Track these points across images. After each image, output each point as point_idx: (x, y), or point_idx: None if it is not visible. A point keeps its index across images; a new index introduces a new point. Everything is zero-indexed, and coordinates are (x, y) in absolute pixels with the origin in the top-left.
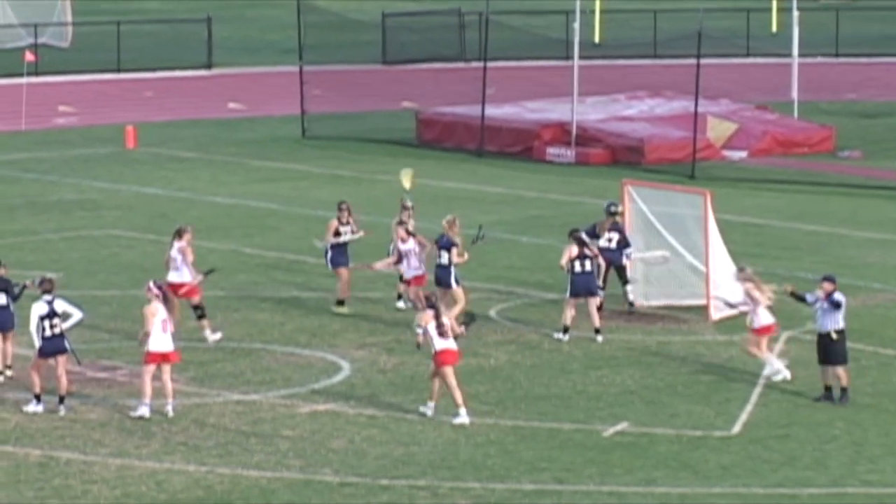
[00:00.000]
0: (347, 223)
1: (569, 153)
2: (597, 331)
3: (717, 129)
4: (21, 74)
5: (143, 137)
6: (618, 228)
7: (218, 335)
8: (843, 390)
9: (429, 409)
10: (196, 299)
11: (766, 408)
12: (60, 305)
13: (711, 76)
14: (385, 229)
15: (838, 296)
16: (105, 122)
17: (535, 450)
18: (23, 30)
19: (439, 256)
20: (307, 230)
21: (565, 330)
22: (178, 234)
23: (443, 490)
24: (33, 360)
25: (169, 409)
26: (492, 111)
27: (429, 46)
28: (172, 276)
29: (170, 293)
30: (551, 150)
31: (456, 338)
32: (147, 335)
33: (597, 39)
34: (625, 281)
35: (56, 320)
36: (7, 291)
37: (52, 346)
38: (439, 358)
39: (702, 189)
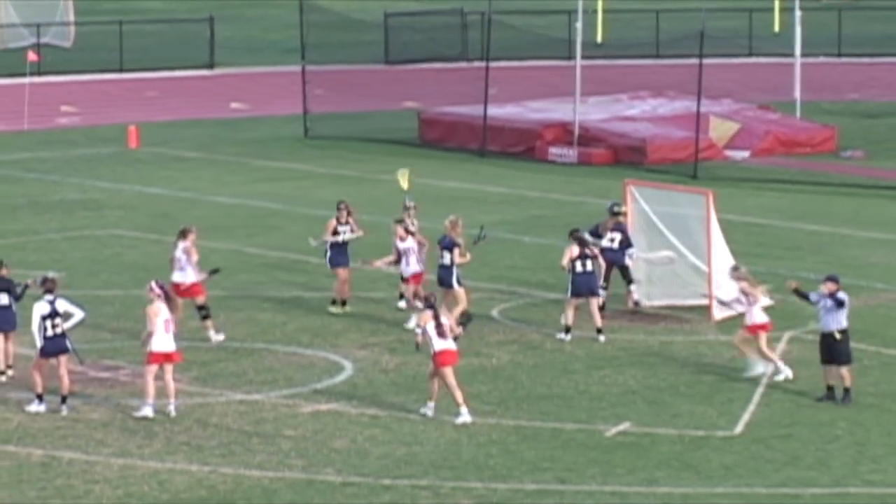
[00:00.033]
0: (346, 223)
1: (571, 153)
2: (599, 331)
3: (720, 129)
4: (24, 74)
5: (145, 137)
6: (620, 228)
7: (221, 336)
8: (846, 390)
9: (429, 409)
10: (201, 299)
11: (769, 408)
12: (62, 305)
13: (714, 76)
14: (387, 229)
15: (842, 294)
16: (107, 121)
17: (537, 450)
18: (25, 29)
19: (441, 257)
20: (309, 230)
21: (567, 330)
22: (183, 235)
23: (445, 490)
24: (35, 360)
25: (171, 408)
26: (494, 111)
27: (431, 46)
28: (177, 277)
29: (172, 293)
30: (554, 150)
31: (455, 338)
32: (150, 335)
33: (599, 39)
34: (629, 281)
35: (58, 320)
36: (9, 291)
37: (54, 346)
38: (438, 359)
39: (704, 189)
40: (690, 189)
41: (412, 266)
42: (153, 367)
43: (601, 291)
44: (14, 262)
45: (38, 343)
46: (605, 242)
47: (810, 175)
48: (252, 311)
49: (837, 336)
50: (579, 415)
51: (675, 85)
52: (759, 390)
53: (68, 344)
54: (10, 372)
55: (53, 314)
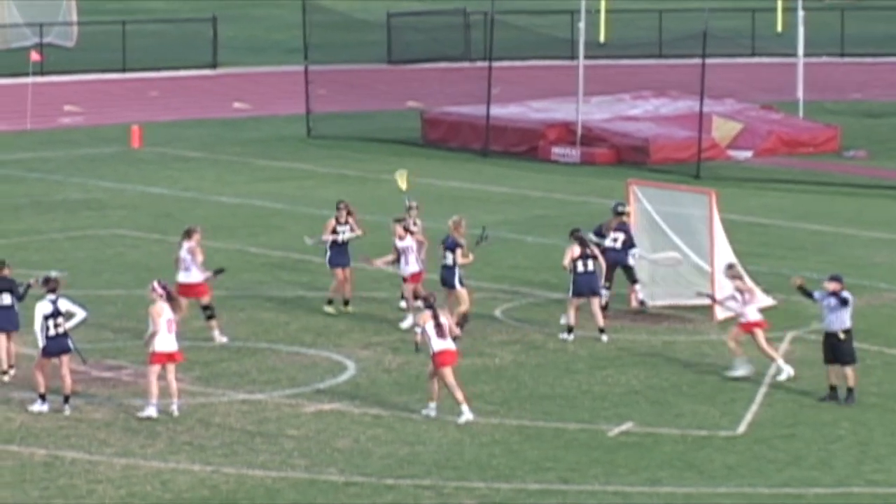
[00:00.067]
0: (346, 223)
1: (574, 153)
2: (601, 330)
3: (723, 129)
4: (26, 74)
5: (148, 137)
6: (624, 229)
7: (225, 338)
8: (850, 390)
9: (431, 410)
10: (206, 299)
11: (772, 408)
12: (64, 305)
13: (716, 76)
14: (390, 229)
15: (846, 293)
16: (110, 121)
17: (540, 449)
18: (28, 29)
19: (444, 257)
20: (312, 230)
21: (570, 330)
22: (188, 234)
23: (448, 490)
24: (37, 360)
25: (174, 408)
26: (497, 111)
27: (434, 46)
28: (182, 277)
29: (174, 293)
30: (556, 150)
31: (454, 338)
32: (154, 335)
33: (602, 39)
34: (633, 280)
35: (60, 319)
36: (11, 291)
37: (56, 346)
38: (437, 359)
39: (707, 189)
40: (693, 189)
41: (411, 265)
42: (156, 368)
43: (604, 291)
44: (17, 261)
45: (41, 343)
46: (608, 242)
47: (813, 175)
48: (255, 311)
49: (841, 336)
50: (582, 415)
51: (678, 85)
52: (762, 390)
53: (70, 344)
54: (11, 372)
55: (56, 314)
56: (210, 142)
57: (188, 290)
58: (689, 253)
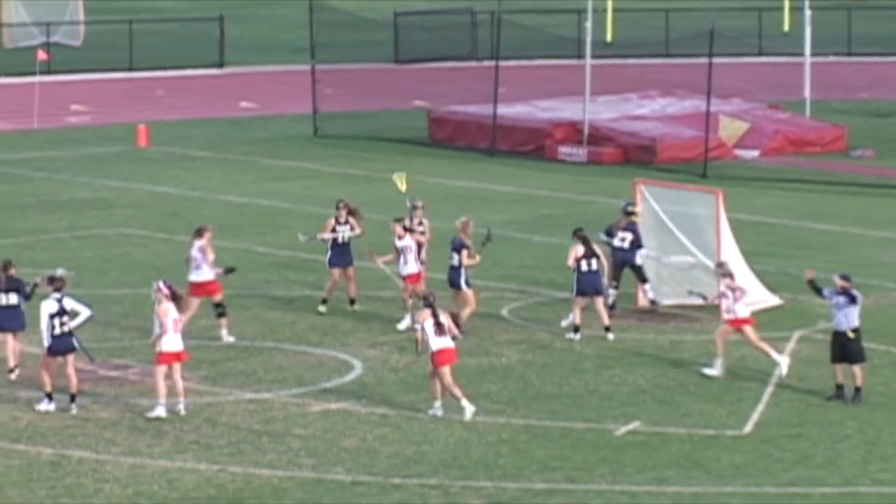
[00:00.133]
0: (346, 222)
1: (581, 152)
2: (607, 329)
3: (729, 129)
4: (33, 73)
5: (155, 136)
6: (632, 228)
7: (232, 338)
8: (857, 390)
9: (437, 409)
10: (218, 297)
11: (778, 407)
12: (69, 303)
13: (723, 75)
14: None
15: (854, 291)
16: (117, 120)
17: (546, 449)
18: (35, 28)
19: (451, 258)
20: (319, 229)
21: (576, 329)
22: (199, 233)
23: (454, 489)
24: (42, 359)
25: (181, 407)
26: (504, 110)
27: (441, 45)
28: (193, 276)
29: (179, 292)
30: (563, 149)
31: (453, 338)
32: (162, 335)
33: (609, 38)
34: (643, 280)
35: (66, 318)
36: (18, 291)
37: (62, 345)
38: (436, 358)
39: (714, 188)
40: (700, 188)
41: (410, 266)
42: (163, 368)
43: (612, 291)
44: (23, 261)
45: (46, 342)
46: (616, 242)
47: (820, 174)
48: (261, 310)
49: (850, 335)
50: (589, 414)
51: (685, 84)
52: (769, 390)
53: (76, 342)
54: (16, 371)
55: (61, 312)
56: (217, 141)
57: (200, 288)
58: (696, 252)
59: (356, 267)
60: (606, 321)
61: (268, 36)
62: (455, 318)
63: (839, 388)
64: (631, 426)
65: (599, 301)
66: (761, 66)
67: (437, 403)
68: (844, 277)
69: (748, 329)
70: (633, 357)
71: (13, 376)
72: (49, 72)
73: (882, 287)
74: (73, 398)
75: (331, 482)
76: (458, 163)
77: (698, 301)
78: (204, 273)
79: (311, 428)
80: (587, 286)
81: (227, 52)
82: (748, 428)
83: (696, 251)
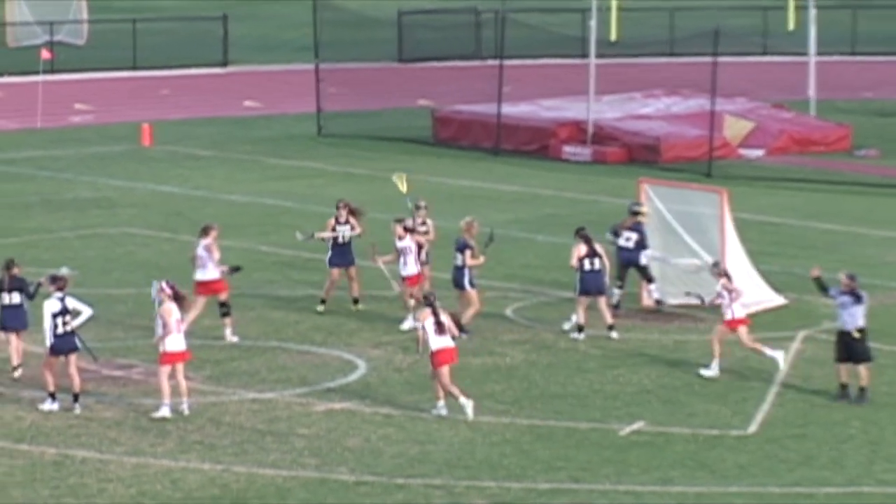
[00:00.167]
0: (346, 222)
1: (585, 151)
2: (610, 328)
3: (734, 128)
4: (37, 72)
5: (158, 135)
6: (638, 228)
7: (236, 338)
8: (862, 389)
9: (441, 409)
10: (223, 296)
11: (783, 407)
12: (71, 302)
13: (728, 74)
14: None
15: (860, 291)
16: (121, 119)
17: (551, 449)
18: (38, 27)
19: (455, 258)
20: (319, 228)
21: (580, 329)
22: (205, 232)
23: (458, 489)
24: (45, 359)
25: (185, 407)
26: (508, 109)
27: (445, 44)
28: (199, 274)
29: (181, 292)
30: (567, 149)
31: (453, 338)
32: (166, 336)
33: (613, 37)
34: (648, 280)
35: (68, 317)
36: (21, 290)
37: (64, 344)
38: (436, 358)
39: (718, 187)
40: (705, 188)
41: (409, 267)
42: (167, 368)
43: (616, 291)
44: (27, 260)
45: (48, 341)
46: (621, 241)
47: (824, 174)
48: (265, 310)
49: (856, 335)
50: (593, 414)
51: (690, 83)
52: (774, 389)
53: (77, 342)
54: (19, 371)
55: (64, 311)
56: (220, 140)
57: (206, 287)
58: (700, 252)
59: (358, 267)
60: (610, 320)
61: (271, 35)
62: (454, 318)
63: (843, 387)
64: (635, 426)
65: (602, 300)
66: (766, 66)
67: (441, 403)
68: (850, 277)
69: (742, 330)
70: (638, 357)
71: (17, 374)
72: (52, 71)
73: (887, 287)
74: (76, 398)
75: (334, 482)
76: (462, 162)
77: (698, 302)
78: (210, 272)
79: (314, 428)
80: (590, 285)
81: (231, 51)
82: (753, 428)
83: (701, 251)
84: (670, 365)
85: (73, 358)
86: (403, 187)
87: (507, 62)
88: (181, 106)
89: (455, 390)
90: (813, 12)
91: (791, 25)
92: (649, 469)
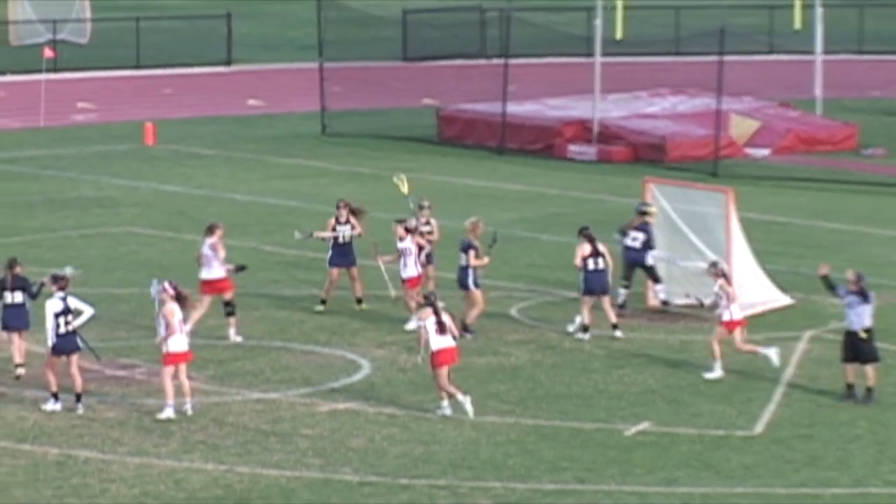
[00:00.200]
0: (346, 222)
1: (590, 150)
2: (614, 326)
3: (740, 127)
4: (40, 71)
5: (161, 134)
6: (645, 229)
7: (240, 338)
8: (869, 390)
9: (446, 409)
10: (228, 295)
11: (789, 407)
12: (73, 302)
13: (734, 73)
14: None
15: (867, 290)
16: (124, 118)
17: (556, 449)
18: (41, 26)
19: (460, 258)
20: (323, 228)
21: (585, 329)
22: (210, 230)
23: (463, 489)
24: (47, 359)
25: (188, 407)
26: (513, 108)
27: (450, 43)
28: (204, 273)
29: (183, 292)
30: (573, 148)
31: (454, 338)
32: (170, 336)
33: (619, 36)
34: (655, 280)
35: (70, 317)
36: (24, 289)
37: (66, 344)
38: (436, 358)
39: (724, 187)
40: (710, 187)
41: (409, 269)
42: (171, 369)
43: (623, 291)
44: (30, 259)
45: (50, 341)
46: (628, 241)
47: (831, 173)
48: (269, 310)
49: (863, 335)
50: (598, 414)
51: (696, 82)
52: (780, 390)
53: (79, 341)
54: (22, 371)
55: (66, 311)
56: (224, 139)
57: (211, 286)
58: (706, 251)
59: (360, 267)
60: (614, 319)
61: (275, 33)
62: (455, 319)
63: (849, 387)
64: (641, 426)
65: (606, 300)
66: (772, 64)
67: (445, 403)
68: (857, 276)
69: (737, 332)
70: (643, 357)
71: (19, 371)
72: (55, 69)
73: (893, 287)
74: (78, 398)
75: (338, 482)
76: (467, 161)
77: (709, 301)
78: (215, 271)
79: (318, 428)
80: (594, 285)
81: (235, 50)
82: (758, 428)
83: (707, 250)
84: (676, 365)
85: (74, 358)
86: (405, 188)
87: (512, 61)
88: (184, 105)
89: (452, 389)
90: (820, 11)
91: (797, 24)
92: (654, 469)
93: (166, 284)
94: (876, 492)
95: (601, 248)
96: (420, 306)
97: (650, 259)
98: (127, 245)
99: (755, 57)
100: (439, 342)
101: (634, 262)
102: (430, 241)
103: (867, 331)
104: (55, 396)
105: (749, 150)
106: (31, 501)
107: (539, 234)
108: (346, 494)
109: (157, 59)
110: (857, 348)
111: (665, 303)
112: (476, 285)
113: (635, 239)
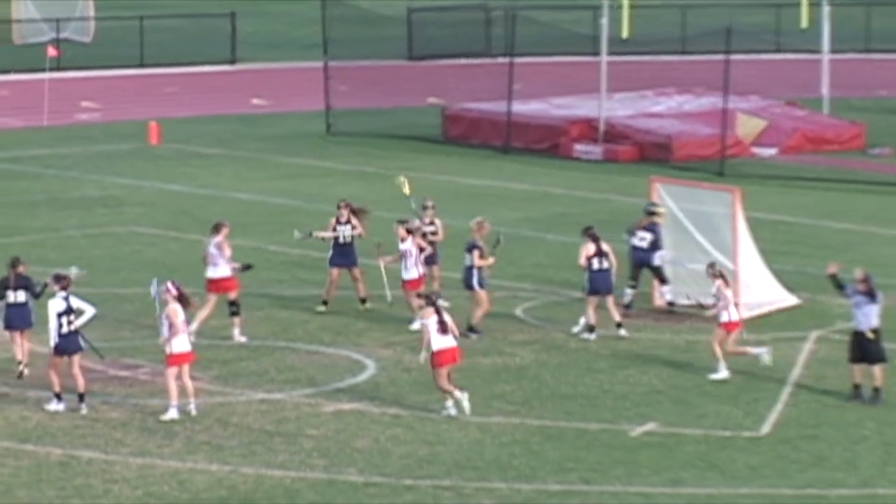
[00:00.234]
0: (347, 222)
1: (596, 150)
2: (619, 325)
3: (747, 126)
4: (43, 69)
5: (165, 133)
6: (653, 229)
7: (244, 338)
8: (876, 390)
9: (451, 409)
10: (233, 295)
11: (795, 408)
12: (74, 302)
13: (741, 72)
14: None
15: (875, 290)
16: (127, 117)
17: (561, 450)
18: (45, 24)
19: (465, 258)
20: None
21: (591, 329)
22: (216, 229)
23: (468, 490)
24: (49, 359)
25: (192, 407)
26: (518, 107)
27: (455, 42)
28: (210, 272)
29: (186, 293)
30: (578, 147)
31: (455, 338)
32: (174, 337)
33: (625, 35)
34: (662, 281)
35: (72, 316)
36: (27, 288)
37: (69, 344)
38: (437, 358)
39: (731, 186)
40: (717, 186)
41: (410, 271)
42: (174, 369)
43: (629, 291)
44: (33, 259)
45: (53, 341)
46: (635, 241)
47: (838, 172)
48: (273, 310)
49: (870, 335)
50: (604, 415)
51: (702, 81)
52: (786, 390)
53: (81, 341)
54: (25, 369)
55: (68, 311)
56: (228, 138)
57: (216, 285)
58: (712, 251)
59: (362, 267)
60: (617, 317)
61: (280, 32)
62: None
63: (856, 388)
64: (646, 427)
65: (610, 299)
66: (779, 63)
67: (450, 403)
68: (864, 276)
69: (733, 334)
70: (649, 357)
71: (21, 367)
72: (59, 68)
73: None
74: (81, 398)
75: (343, 483)
76: (472, 160)
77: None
78: (221, 270)
79: (323, 428)
80: (600, 285)
81: (239, 49)
82: (765, 429)
83: (713, 250)
84: (681, 366)
85: (76, 359)
86: (407, 190)
87: (518, 60)
88: (188, 104)
89: (450, 388)
90: (827, 9)
91: (804, 23)
92: (660, 470)
93: (169, 285)
94: (883, 493)
95: (605, 247)
96: (422, 308)
97: (657, 260)
98: (131, 245)
99: (762, 56)
100: (440, 342)
101: (642, 263)
102: (432, 242)
103: (874, 331)
104: (58, 397)
105: (756, 150)
106: (34, 502)
107: (544, 234)
108: (351, 495)
109: (161, 57)
110: (865, 348)
111: (671, 304)
112: (481, 285)
113: (643, 239)
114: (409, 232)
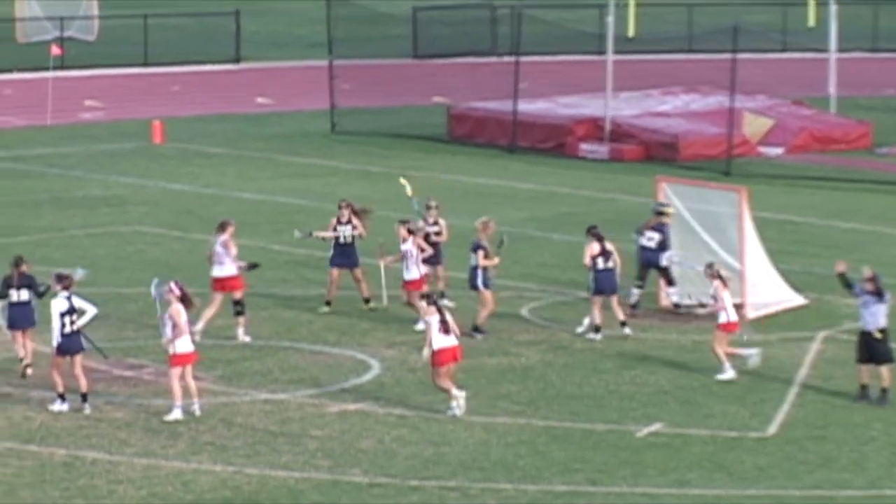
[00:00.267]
0: (348, 222)
1: (602, 149)
2: (623, 324)
3: (753, 125)
4: (47, 68)
5: (169, 132)
6: (661, 229)
7: (248, 338)
8: (884, 391)
9: (456, 410)
10: (238, 294)
11: (803, 408)
12: (77, 301)
13: (747, 71)
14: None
15: (883, 289)
16: (131, 116)
17: (567, 450)
18: (49, 23)
19: (470, 258)
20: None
21: (597, 329)
22: (222, 228)
23: (474, 491)
24: (52, 359)
25: (196, 408)
26: (524, 106)
27: (460, 41)
28: (216, 271)
29: (188, 293)
30: (584, 146)
31: (457, 338)
32: (178, 337)
33: (631, 33)
34: (669, 282)
35: (75, 316)
36: (30, 287)
37: (71, 344)
38: (438, 357)
39: (737, 186)
40: (723, 186)
41: (411, 272)
42: (178, 370)
43: (636, 290)
44: (37, 258)
45: (55, 341)
46: (643, 241)
47: (845, 172)
48: (277, 309)
49: (877, 335)
50: (610, 415)
51: (709, 80)
52: (793, 391)
53: (83, 341)
54: (29, 368)
55: (71, 310)
56: (232, 137)
57: (222, 284)
58: (719, 251)
59: (364, 268)
60: (622, 316)
61: (284, 31)
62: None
63: (864, 388)
64: (653, 427)
65: (614, 299)
66: (786, 62)
67: (455, 404)
68: (872, 276)
69: (731, 334)
70: (655, 358)
71: (24, 363)
72: (63, 67)
73: None
74: (84, 398)
75: (347, 484)
76: (478, 160)
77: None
78: (227, 268)
79: (327, 429)
80: (604, 285)
81: (244, 48)
82: (772, 429)
83: (720, 250)
84: (688, 366)
85: (78, 359)
86: (409, 190)
87: (524, 59)
88: (193, 103)
89: (448, 386)
90: (834, 8)
91: (811, 21)
92: (666, 471)
93: (172, 285)
94: (891, 494)
95: (609, 246)
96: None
97: (664, 260)
98: (135, 244)
99: (769, 55)
100: (442, 341)
101: (649, 263)
102: (436, 243)
103: (882, 331)
104: (62, 397)
105: (762, 149)
106: (37, 502)
107: (550, 234)
108: (356, 496)
109: (166, 56)
110: (872, 349)
111: (677, 305)
112: (486, 286)
113: (651, 239)
114: (410, 232)
